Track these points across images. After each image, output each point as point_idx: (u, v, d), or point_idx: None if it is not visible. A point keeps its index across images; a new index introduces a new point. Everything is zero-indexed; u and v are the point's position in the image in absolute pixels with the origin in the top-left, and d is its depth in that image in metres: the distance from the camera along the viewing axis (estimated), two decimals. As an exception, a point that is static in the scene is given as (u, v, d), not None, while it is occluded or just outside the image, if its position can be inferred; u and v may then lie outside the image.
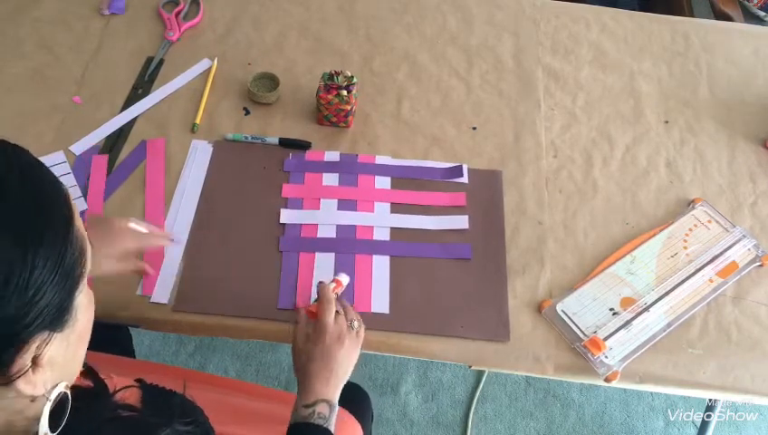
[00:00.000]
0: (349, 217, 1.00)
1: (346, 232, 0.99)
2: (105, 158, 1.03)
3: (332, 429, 0.79)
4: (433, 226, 1.00)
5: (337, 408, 0.81)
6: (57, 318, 0.48)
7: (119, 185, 1.01)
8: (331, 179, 1.04)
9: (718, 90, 1.22)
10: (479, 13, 1.29)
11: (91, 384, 0.58)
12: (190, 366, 1.61)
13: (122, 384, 0.61)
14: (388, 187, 1.04)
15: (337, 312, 0.85)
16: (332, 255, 0.96)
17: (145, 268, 0.88)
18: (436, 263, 0.97)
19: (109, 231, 0.83)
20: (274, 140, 1.07)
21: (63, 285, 0.47)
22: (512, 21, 1.29)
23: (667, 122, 1.17)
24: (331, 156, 1.06)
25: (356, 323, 0.85)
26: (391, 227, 1.00)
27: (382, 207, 1.02)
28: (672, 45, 1.28)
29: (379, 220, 1.00)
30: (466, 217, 1.01)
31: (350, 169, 1.05)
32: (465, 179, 1.05)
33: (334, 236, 0.98)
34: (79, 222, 0.50)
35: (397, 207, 1.02)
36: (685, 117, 1.18)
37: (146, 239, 0.87)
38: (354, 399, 1.03)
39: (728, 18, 1.61)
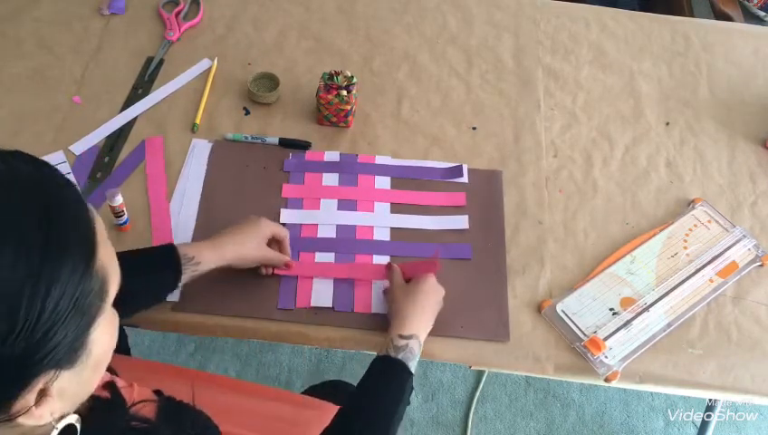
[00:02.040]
0: (349, 218, 1.00)
1: (346, 232, 0.99)
2: (161, 139, 1.05)
3: (414, 371, 0.81)
4: (433, 226, 1.00)
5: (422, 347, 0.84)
6: (67, 357, 0.45)
7: (119, 185, 1.01)
8: (330, 179, 1.04)
9: (718, 90, 1.22)
10: (479, 13, 1.29)
11: (109, 395, 0.57)
12: (190, 366, 1.61)
13: (141, 396, 0.61)
14: (388, 187, 1.04)
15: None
16: (332, 255, 0.96)
17: (288, 261, 0.91)
18: None
19: (266, 226, 0.88)
20: (274, 140, 1.07)
21: (78, 323, 0.45)
22: (512, 21, 1.29)
23: (668, 124, 1.17)
24: (331, 156, 1.06)
25: None
26: (391, 228, 1.00)
27: (382, 207, 1.02)
28: (672, 45, 1.28)
29: (379, 220, 1.00)
30: (466, 216, 1.01)
31: (349, 169, 1.05)
32: (464, 179, 1.05)
33: (334, 236, 0.98)
34: (103, 252, 0.47)
35: (397, 207, 1.02)
36: (685, 117, 1.18)
37: (277, 257, 0.91)
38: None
39: (728, 18, 1.61)
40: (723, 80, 1.24)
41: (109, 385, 0.58)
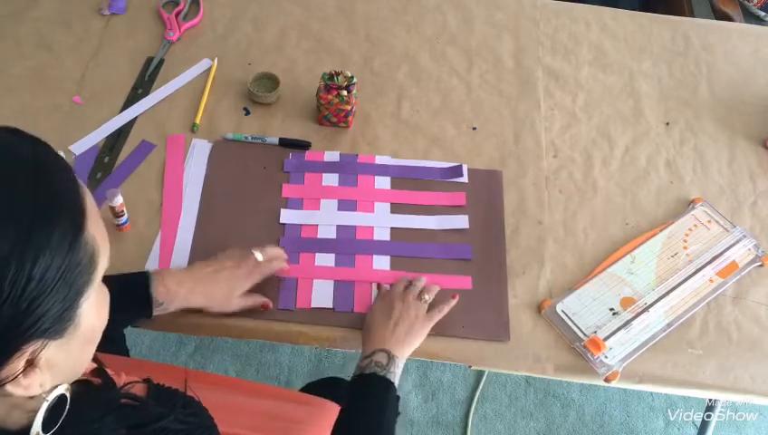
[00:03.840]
0: (349, 218, 1.00)
1: (346, 232, 0.99)
2: (182, 137, 1.06)
3: (394, 379, 0.80)
4: (433, 226, 1.00)
5: (399, 361, 0.82)
6: (55, 327, 0.46)
7: (118, 185, 1.01)
8: (330, 180, 1.04)
9: (718, 90, 1.22)
10: (479, 13, 1.29)
11: (100, 381, 0.58)
12: (190, 366, 1.61)
13: (130, 380, 0.61)
14: (388, 187, 1.04)
15: (412, 284, 0.90)
16: (333, 255, 0.96)
17: (265, 302, 0.89)
18: (436, 263, 0.97)
19: (231, 277, 0.86)
20: (274, 140, 1.07)
21: (65, 295, 0.45)
22: (512, 21, 1.29)
23: (668, 124, 1.17)
24: (331, 156, 1.06)
25: (427, 297, 0.88)
26: (391, 228, 1.00)
27: (382, 208, 1.02)
28: (672, 45, 1.28)
29: (380, 220, 1.00)
30: (467, 216, 1.01)
31: (349, 169, 1.05)
32: (464, 179, 1.05)
33: (334, 236, 0.98)
34: (94, 226, 0.48)
35: (397, 208, 1.02)
36: (685, 117, 1.18)
37: (268, 267, 0.89)
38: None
39: (728, 18, 1.61)
40: (723, 80, 1.24)
41: (98, 370, 0.59)
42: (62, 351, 0.48)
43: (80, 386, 0.53)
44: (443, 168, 1.06)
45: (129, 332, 1.10)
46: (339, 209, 1.01)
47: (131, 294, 0.80)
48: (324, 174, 1.04)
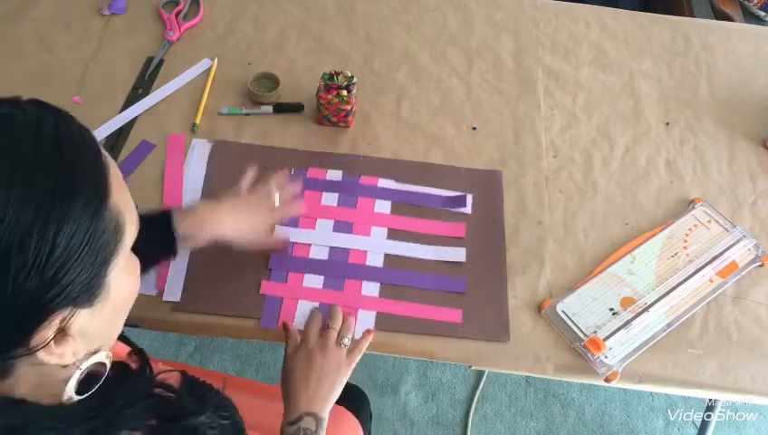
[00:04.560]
0: (343, 240, 0.97)
1: (339, 254, 0.96)
2: (182, 137, 1.06)
3: None
4: (428, 256, 0.97)
5: (326, 422, 0.78)
6: (83, 295, 0.46)
7: (119, 185, 1.01)
8: (330, 199, 1.01)
9: (718, 90, 1.22)
10: (479, 13, 1.29)
11: (139, 363, 0.58)
12: (190, 366, 1.62)
13: (166, 369, 0.61)
14: (388, 211, 1.01)
15: (329, 327, 0.85)
16: (321, 277, 0.94)
17: (284, 242, 0.90)
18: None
19: (254, 211, 0.87)
20: (269, 109, 1.10)
21: (92, 262, 0.46)
22: (512, 21, 1.29)
23: (668, 124, 1.17)
24: (334, 175, 1.04)
25: (346, 340, 0.85)
26: (385, 254, 0.97)
27: (379, 232, 0.99)
28: (672, 45, 1.28)
29: (374, 245, 0.97)
30: (464, 249, 0.98)
31: (350, 190, 1.02)
32: (467, 210, 1.02)
33: (326, 257, 0.96)
34: (119, 196, 0.49)
35: (394, 234, 0.99)
36: (685, 117, 1.18)
37: (285, 211, 0.90)
38: (354, 399, 1.03)
39: (728, 18, 1.61)
40: (723, 80, 1.24)
41: (138, 351, 0.59)
42: (93, 319, 0.48)
43: (117, 367, 0.54)
44: (446, 196, 1.03)
45: (130, 332, 1.10)
46: (334, 230, 0.98)
47: (154, 234, 0.77)
48: (324, 193, 1.02)
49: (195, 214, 0.82)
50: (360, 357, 0.85)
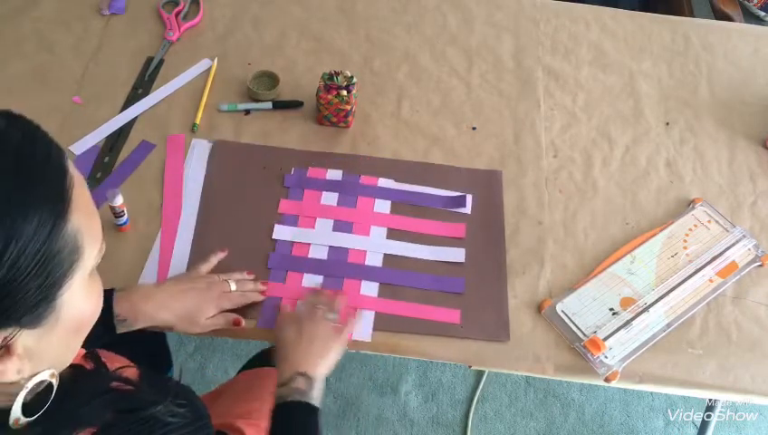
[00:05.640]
0: (343, 240, 0.97)
1: (338, 254, 0.96)
2: (182, 137, 1.06)
3: (316, 403, 0.77)
4: (428, 256, 0.97)
5: (319, 383, 0.79)
6: (28, 316, 0.44)
7: (118, 185, 1.01)
8: (330, 199, 1.01)
9: (718, 90, 1.22)
10: (479, 13, 1.29)
11: (93, 366, 0.57)
12: (190, 366, 1.62)
13: (122, 365, 0.60)
14: (388, 211, 1.01)
15: (319, 302, 0.88)
16: (320, 277, 0.94)
17: (236, 319, 0.87)
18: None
19: (204, 295, 0.85)
20: (268, 105, 1.10)
21: (41, 284, 0.44)
22: (512, 21, 1.29)
23: (668, 124, 1.17)
24: (334, 174, 1.04)
25: (332, 316, 0.86)
26: (385, 253, 0.97)
27: (378, 232, 0.99)
28: (672, 45, 1.28)
29: (374, 245, 0.97)
30: (463, 250, 0.98)
31: (350, 189, 1.02)
32: (467, 210, 1.02)
33: (325, 257, 0.96)
34: (80, 216, 0.46)
35: (393, 233, 0.99)
36: (685, 117, 1.18)
37: (241, 297, 0.88)
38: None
39: (728, 18, 1.61)
40: (723, 80, 1.24)
41: (91, 354, 0.57)
42: (42, 340, 0.47)
43: (70, 371, 0.53)
44: (446, 196, 1.03)
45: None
46: (334, 230, 0.98)
47: None
48: (324, 192, 1.02)
49: (129, 299, 0.80)
50: (348, 332, 0.86)
